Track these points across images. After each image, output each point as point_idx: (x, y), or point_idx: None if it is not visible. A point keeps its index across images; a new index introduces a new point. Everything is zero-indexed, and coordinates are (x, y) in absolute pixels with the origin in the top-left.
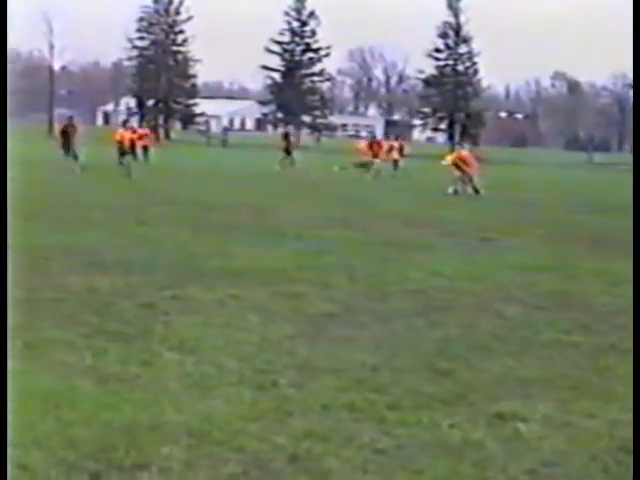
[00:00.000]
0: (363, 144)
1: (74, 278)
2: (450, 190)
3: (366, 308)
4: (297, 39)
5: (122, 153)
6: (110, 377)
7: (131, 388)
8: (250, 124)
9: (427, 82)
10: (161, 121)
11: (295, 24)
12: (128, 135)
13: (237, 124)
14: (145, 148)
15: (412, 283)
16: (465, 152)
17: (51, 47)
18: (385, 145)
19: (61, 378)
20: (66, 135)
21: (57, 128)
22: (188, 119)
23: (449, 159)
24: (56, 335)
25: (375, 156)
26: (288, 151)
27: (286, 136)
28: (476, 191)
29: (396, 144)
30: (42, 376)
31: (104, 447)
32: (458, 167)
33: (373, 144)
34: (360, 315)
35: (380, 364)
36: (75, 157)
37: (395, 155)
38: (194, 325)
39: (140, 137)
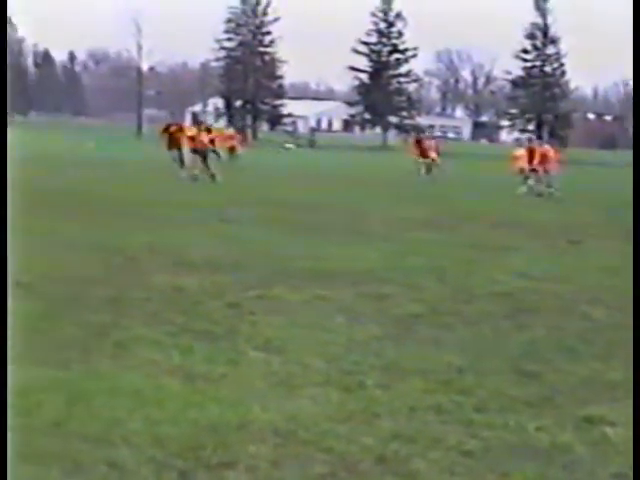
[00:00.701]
0: (521, 152)
1: (161, 277)
2: (524, 189)
3: (452, 310)
4: (384, 40)
5: (194, 152)
6: (197, 376)
7: (218, 387)
8: (337, 125)
9: (515, 83)
10: (249, 122)
11: (382, 25)
12: (201, 135)
13: (324, 125)
14: (232, 149)
15: (498, 285)
16: (544, 148)
17: (139, 48)
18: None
19: (148, 376)
20: (172, 136)
21: (146, 128)
22: (275, 120)
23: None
24: (143, 334)
25: (424, 156)
26: (425, 156)
27: (419, 141)
28: (548, 189)
29: (433, 143)
30: (130, 374)
31: (191, 445)
32: (533, 167)
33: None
34: (446, 317)
35: (466, 366)
36: (181, 161)
37: (433, 154)
38: (280, 325)
39: (225, 138)
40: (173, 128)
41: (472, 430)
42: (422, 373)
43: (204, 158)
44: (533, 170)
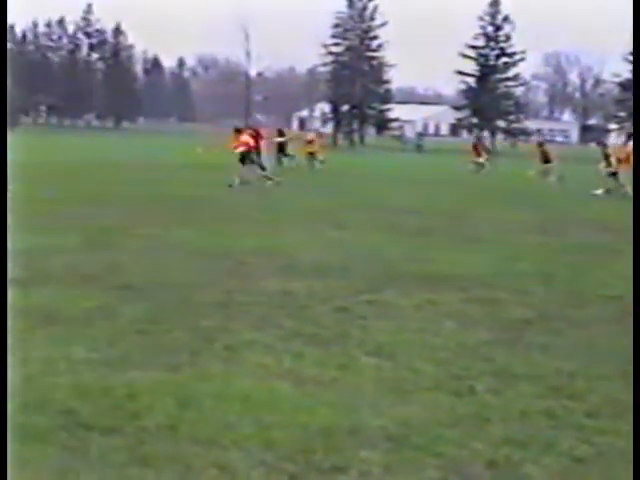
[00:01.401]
0: None
1: (269, 281)
2: (599, 191)
3: (562, 314)
4: (492, 44)
5: (242, 159)
6: (308, 380)
7: (328, 391)
8: (444, 129)
9: (623, 86)
10: (356, 126)
11: (489, 29)
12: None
13: (431, 129)
14: (312, 154)
15: (608, 289)
16: (619, 148)
17: (248, 54)
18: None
19: (259, 380)
20: (281, 144)
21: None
22: (382, 124)
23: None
24: (253, 338)
25: (478, 155)
26: (547, 160)
27: (541, 144)
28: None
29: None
30: (241, 378)
31: (302, 449)
32: (611, 166)
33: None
34: (556, 321)
35: (577, 371)
36: (261, 167)
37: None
38: (390, 330)
39: (309, 142)
40: (248, 132)
41: (584, 435)
42: (532, 378)
43: (242, 161)
44: (613, 174)
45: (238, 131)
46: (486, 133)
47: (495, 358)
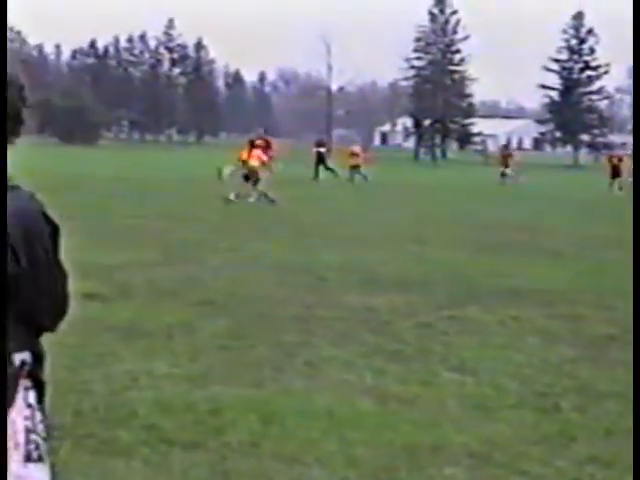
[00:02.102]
0: None
1: (350, 296)
2: None
3: None
4: (575, 57)
5: (247, 177)
6: (390, 397)
7: (411, 408)
8: (528, 143)
9: None
10: (438, 141)
11: (573, 42)
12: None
13: (514, 143)
14: (356, 167)
15: None
16: None
17: (329, 68)
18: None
19: (341, 396)
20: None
21: (335, 149)
22: (465, 139)
23: None
24: (334, 354)
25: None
26: (617, 174)
27: (610, 158)
28: None
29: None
30: (323, 395)
31: (386, 467)
32: None
33: None
34: None
35: None
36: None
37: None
38: (473, 346)
39: (353, 154)
40: (258, 142)
41: None
42: (617, 395)
43: (246, 178)
44: None
45: (252, 143)
46: (569, 147)
47: (579, 375)
